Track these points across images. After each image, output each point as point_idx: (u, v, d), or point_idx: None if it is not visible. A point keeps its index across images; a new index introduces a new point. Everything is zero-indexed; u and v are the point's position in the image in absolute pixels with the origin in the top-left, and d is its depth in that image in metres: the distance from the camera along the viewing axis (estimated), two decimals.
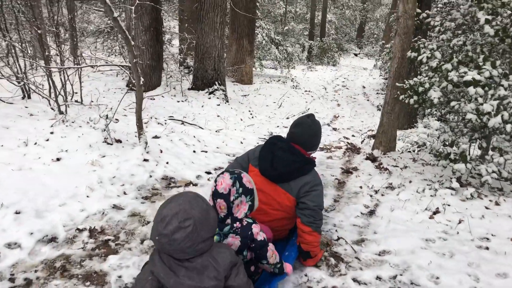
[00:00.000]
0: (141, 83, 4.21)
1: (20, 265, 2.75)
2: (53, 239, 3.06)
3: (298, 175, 2.90)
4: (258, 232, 2.38)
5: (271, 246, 2.46)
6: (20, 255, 2.81)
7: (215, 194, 2.34)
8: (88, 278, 2.70)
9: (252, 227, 2.37)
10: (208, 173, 4.70)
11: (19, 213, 3.16)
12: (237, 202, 2.34)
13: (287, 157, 2.90)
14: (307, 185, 2.89)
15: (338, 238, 3.42)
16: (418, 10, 5.40)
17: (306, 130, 3.04)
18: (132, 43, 3.98)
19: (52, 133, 4.57)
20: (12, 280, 2.60)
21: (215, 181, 2.38)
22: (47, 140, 4.39)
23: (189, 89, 8.81)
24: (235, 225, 2.35)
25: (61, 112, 5.05)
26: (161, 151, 4.85)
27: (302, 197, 2.89)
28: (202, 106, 7.84)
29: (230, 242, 2.34)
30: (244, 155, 3.30)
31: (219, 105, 8.19)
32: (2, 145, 4.09)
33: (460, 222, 3.70)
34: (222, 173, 2.40)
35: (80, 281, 2.66)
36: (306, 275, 2.90)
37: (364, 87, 15.85)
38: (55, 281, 2.63)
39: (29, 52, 6.88)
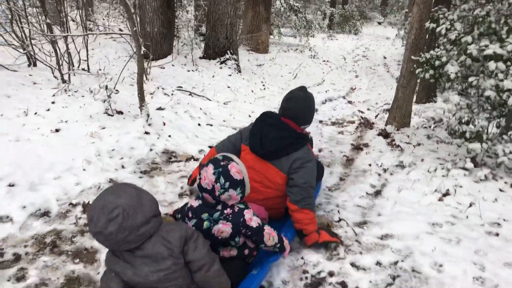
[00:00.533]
0: (142, 52, 4.06)
1: (10, 239, 2.71)
2: (45, 214, 3.01)
3: (289, 152, 2.80)
4: (251, 218, 2.26)
5: (267, 229, 2.34)
6: (11, 230, 2.77)
7: (200, 188, 2.23)
8: (77, 255, 2.65)
9: (244, 213, 2.25)
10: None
11: (12, 185, 3.11)
12: (224, 197, 2.19)
13: (277, 134, 2.81)
14: (297, 161, 2.79)
15: (340, 220, 3.28)
16: None
17: (298, 104, 2.93)
18: (132, 10, 3.80)
19: (53, 102, 4.48)
20: (0, 254, 2.56)
21: (199, 173, 2.24)
22: (48, 110, 4.31)
23: (200, 58, 8.60)
24: (225, 211, 2.23)
25: (64, 81, 4.95)
26: (164, 124, 4.72)
27: (291, 173, 2.80)
28: (213, 76, 7.65)
29: (221, 228, 2.23)
30: (237, 134, 3.20)
31: (230, 75, 7.97)
32: (1, 115, 4.02)
33: (470, 205, 3.52)
34: (207, 164, 2.23)
35: (70, 258, 2.62)
36: (302, 258, 2.80)
37: (385, 57, 15.33)
38: (44, 257, 2.59)
39: (42, 18, 6.76)
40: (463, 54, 4.08)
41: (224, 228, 2.23)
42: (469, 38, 4.07)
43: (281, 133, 2.81)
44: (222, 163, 2.20)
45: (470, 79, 4.01)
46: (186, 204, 2.45)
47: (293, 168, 2.79)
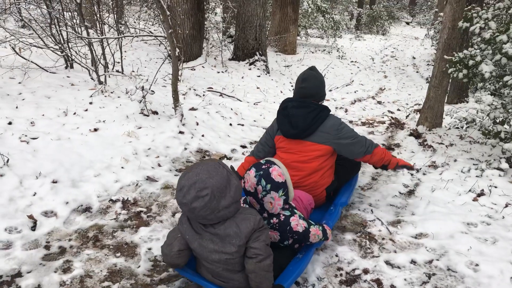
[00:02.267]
0: (177, 54, 4.17)
1: (55, 233, 2.83)
2: (87, 209, 3.12)
3: (318, 124, 2.98)
4: (297, 224, 2.34)
5: (312, 231, 2.41)
6: (56, 224, 2.89)
7: (244, 191, 2.33)
8: (119, 249, 2.75)
9: (290, 221, 2.33)
10: (243, 147, 4.65)
11: (55, 182, 3.24)
12: (267, 199, 2.27)
13: (302, 112, 2.98)
14: (333, 128, 2.99)
15: (374, 219, 3.30)
16: None
17: (314, 82, 3.12)
18: (168, 13, 3.91)
19: (91, 103, 4.64)
20: (47, 247, 2.68)
21: (243, 177, 2.34)
22: (86, 110, 4.47)
23: (229, 59, 8.71)
24: (272, 221, 2.32)
25: (100, 82, 5.11)
26: (197, 124, 4.83)
27: (338, 140, 3.00)
28: (242, 78, 7.74)
29: (269, 235, 2.32)
30: (265, 134, 3.32)
31: (259, 76, 8.05)
32: (43, 115, 4.20)
33: (507, 205, 3.47)
34: (250, 168, 2.32)
35: (111, 252, 2.71)
36: (336, 255, 2.82)
37: (414, 57, 15.14)
38: (87, 251, 2.69)
39: (76, 21, 6.98)
40: (498, 53, 4.02)
41: (272, 235, 2.35)
42: (504, 37, 4.01)
43: (306, 110, 2.98)
44: (263, 167, 2.29)
45: (506, 78, 3.96)
46: None
47: (334, 137, 2.98)
